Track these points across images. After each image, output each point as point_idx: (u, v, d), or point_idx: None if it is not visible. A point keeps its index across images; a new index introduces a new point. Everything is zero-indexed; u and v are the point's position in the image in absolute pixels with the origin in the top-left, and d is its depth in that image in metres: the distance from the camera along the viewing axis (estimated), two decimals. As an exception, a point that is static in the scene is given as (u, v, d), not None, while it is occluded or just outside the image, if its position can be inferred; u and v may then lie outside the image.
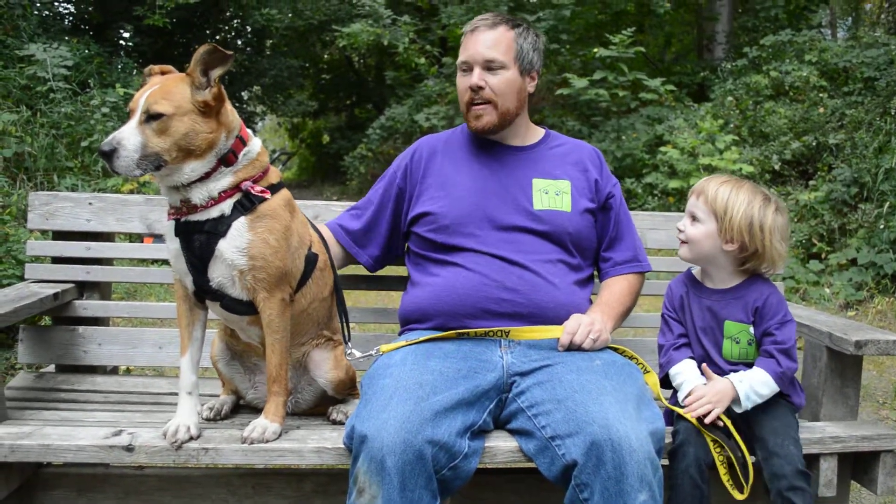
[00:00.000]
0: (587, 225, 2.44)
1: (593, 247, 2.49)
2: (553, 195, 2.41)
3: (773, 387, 2.16)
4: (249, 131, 2.09)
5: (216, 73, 1.93)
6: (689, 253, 2.31)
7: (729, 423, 2.11)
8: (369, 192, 2.59)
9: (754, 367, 2.19)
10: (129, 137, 1.86)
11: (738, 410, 2.15)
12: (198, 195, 1.98)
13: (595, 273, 2.57)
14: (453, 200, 2.39)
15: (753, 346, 2.25)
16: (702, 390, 2.15)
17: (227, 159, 1.99)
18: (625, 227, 2.54)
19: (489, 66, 2.38)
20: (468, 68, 2.41)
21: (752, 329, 2.24)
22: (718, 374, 2.23)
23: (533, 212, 2.37)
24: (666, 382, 2.34)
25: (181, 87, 1.92)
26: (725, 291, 2.29)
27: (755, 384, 2.15)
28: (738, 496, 2.05)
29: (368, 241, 2.55)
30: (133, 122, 1.89)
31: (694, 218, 2.29)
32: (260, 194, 2.01)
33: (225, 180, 1.99)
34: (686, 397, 2.18)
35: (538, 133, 2.57)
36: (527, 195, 2.40)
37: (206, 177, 1.98)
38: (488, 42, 2.38)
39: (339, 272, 2.49)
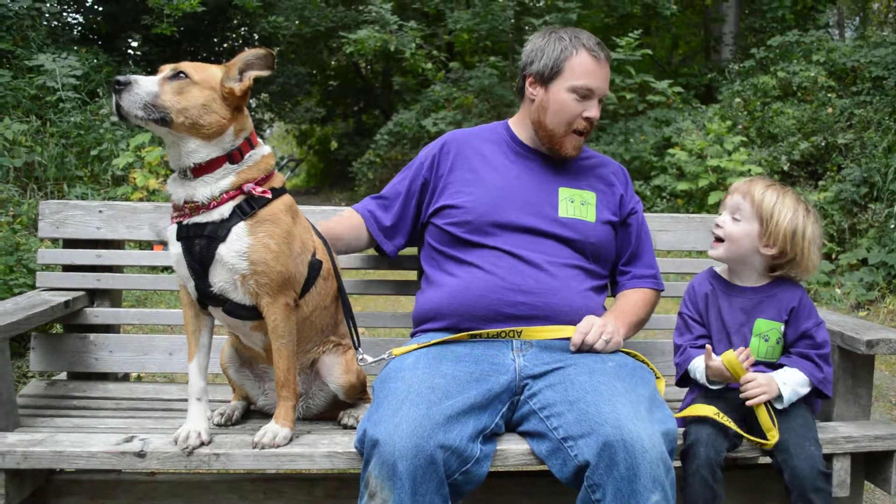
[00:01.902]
0: (608, 237, 2.45)
1: (612, 259, 2.50)
2: (578, 204, 2.41)
3: (808, 389, 2.18)
4: (260, 140, 2.12)
5: (252, 73, 2.00)
6: (725, 252, 2.29)
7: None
8: (394, 183, 2.57)
9: (790, 369, 2.19)
10: (147, 82, 1.91)
11: (778, 407, 2.16)
12: (202, 192, 1.98)
13: (609, 286, 2.57)
14: (479, 197, 2.39)
15: (781, 344, 2.25)
16: (753, 375, 2.13)
17: (233, 156, 2.01)
18: (646, 244, 2.55)
19: (600, 100, 2.40)
20: (589, 96, 2.37)
21: (783, 328, 2.24)
22: None
23: (557, 218, 2.37)
24: (682, 382, 2.34)
25: (214, 70, 2.00)
26: (757, 289, 2.29)
27: (796, 387, 2.16)
28: (772, 437, 2.08)
29: (396, 233, 2.55)
30: (156, 77, 1.95)
31: (735, 216, 2.28)
32: (261, 195, 2.02)
33: (227, 180, 2.00)
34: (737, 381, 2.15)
35: None
36: (552, 202, 2.40)
37: (209, 168, 1.99)
38: (607, 76, 2.40)
39: (351, 273, 2.49)
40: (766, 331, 2.24)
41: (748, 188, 2.28)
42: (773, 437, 2.09)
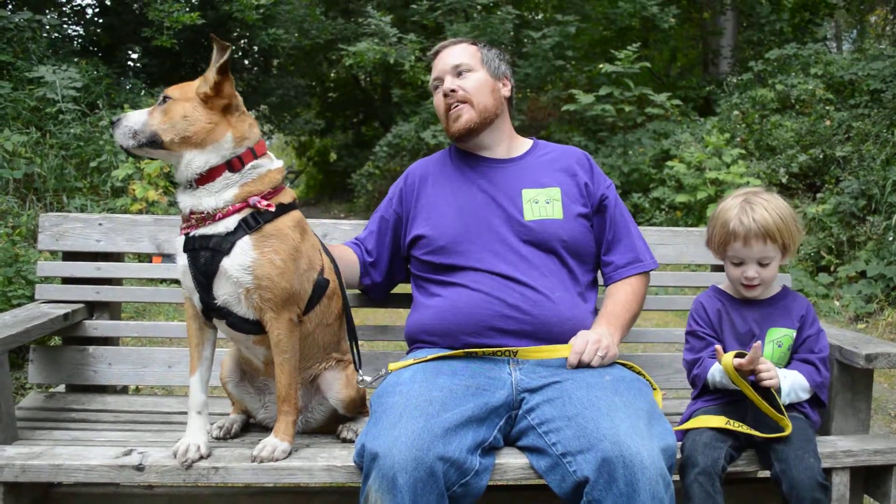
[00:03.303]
0: (582, 231, 2.42)
1: (592, 252, 2.47)
2: (543, 204, 2.41)
3: (808, 393, 2.22)
4: (271, 154, 2.13)
5: (216, 63, 2.01)
6: (763, 290, 2.31)
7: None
8: (368, 224, 2.64)
9: (793, 371, 2.21)
10: (135, 115, 2.05)
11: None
12: (207, 202, 2.01)
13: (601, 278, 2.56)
14: (446, 221, 2.41)
15: (791, 351, 2.28)
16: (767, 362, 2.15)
17: (232, 164, 2.04)
18: (622, 227, 2.50)
19: (458, 72, 2.49)
20: (440, 82, 2.51)
21: (794, 334, 2.27)
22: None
23: (524, 223, 2.37)
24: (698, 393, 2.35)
25: (193, 83, 2.07)
26: (767, 301, 2.32)
27: (796, 385, 2.20)
28: (787, 426, 2.09)
29: (374, 269, 2.59)
30: (147, 109, 2.06)
31: (762, 262, 2.26)
32: (266, 209, 2.03)
33: (230, 191, 2.02)
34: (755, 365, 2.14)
35: (525, 144, 2.59)
36: (517, 207, 2.40)
37: (209, 177, 2.02)
38: (453, 54, 2.52)
39: (347, 290, 2.49)
40: (780, 337, 2.27)
41: (764, 229, 2.21)
42: (787, 425, 2.09)
